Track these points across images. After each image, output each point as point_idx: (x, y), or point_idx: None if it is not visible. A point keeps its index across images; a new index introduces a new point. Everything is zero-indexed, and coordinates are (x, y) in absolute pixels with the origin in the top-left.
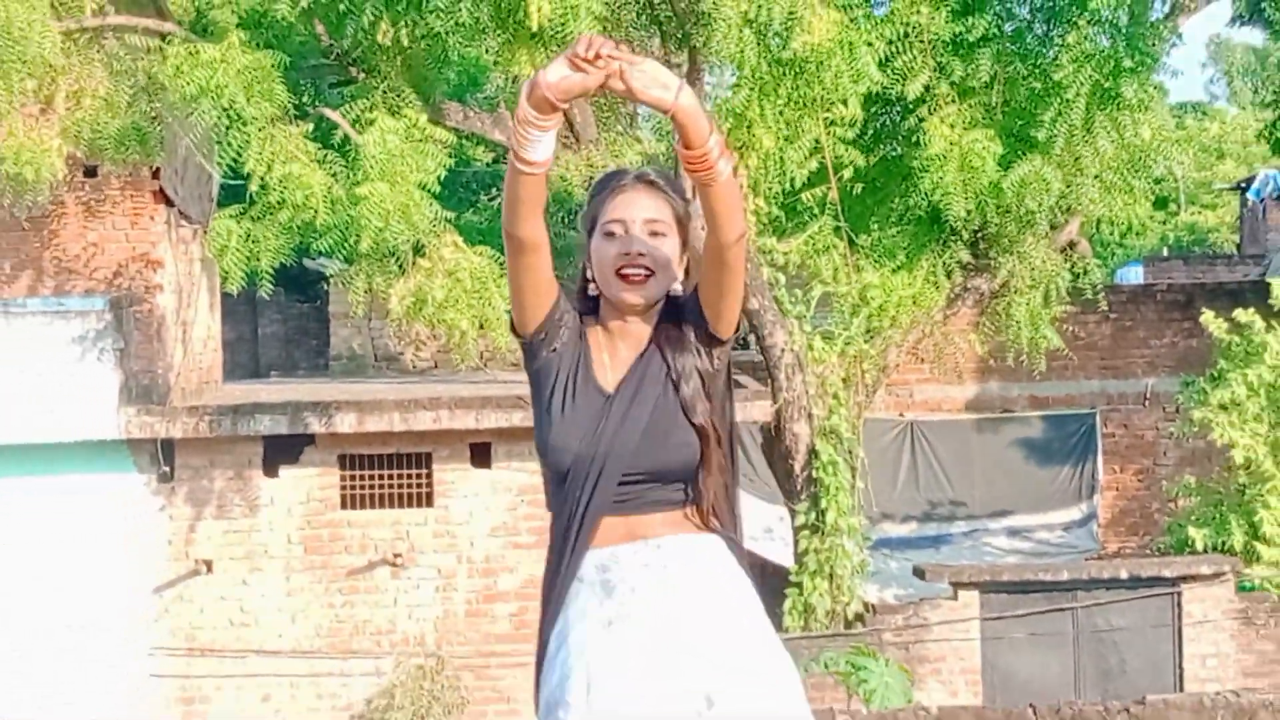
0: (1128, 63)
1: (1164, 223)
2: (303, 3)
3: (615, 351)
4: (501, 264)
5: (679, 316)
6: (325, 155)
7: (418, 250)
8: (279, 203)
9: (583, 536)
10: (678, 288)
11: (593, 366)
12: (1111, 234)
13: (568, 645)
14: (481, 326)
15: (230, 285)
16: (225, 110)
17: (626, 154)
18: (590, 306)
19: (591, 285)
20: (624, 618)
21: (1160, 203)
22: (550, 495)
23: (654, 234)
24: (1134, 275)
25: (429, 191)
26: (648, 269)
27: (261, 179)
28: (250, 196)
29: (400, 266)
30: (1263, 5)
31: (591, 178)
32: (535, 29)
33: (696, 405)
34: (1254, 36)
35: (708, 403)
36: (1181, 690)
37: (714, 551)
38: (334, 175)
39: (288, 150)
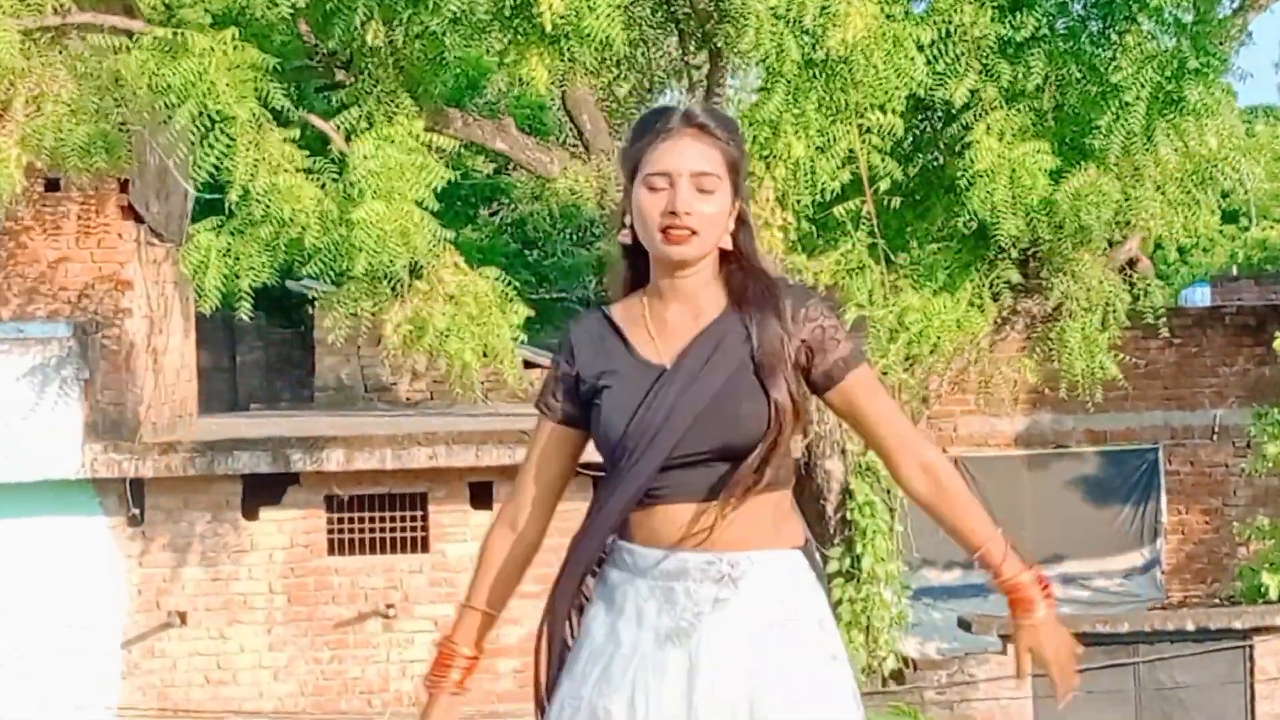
0: (1193, 63)
1: (1233, 239)
2: (284, 6)
3: (663, 320)
4: (508, 285)
5: (771, 307)
6: (314, 164)
7: (415, 273)
8: (262, 217)
9: (624, 512)
10: (727, 240)
11: (633, 344)
12: (1175, 252)
13: (620, 647)
14: (486, 355)
15: (204, 305)
16: (208, 110)
17: None
18: (636, 264)
19: (626, 232)
20: (682, 642)
21: (1229, 217)
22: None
23: (702, 189)
24: (1200, 296)
25: (427, 209)
26: (692, 229)
27: (244, 188)
28: (229, 209)
29: (395, 290)
30: None
31: (604, 190)
32: (548, 28)
33: (778, 377)
34: None
35: (788, 379)
36: None
37: (794, 579)
38: (323, 188)
39: (274, 158)
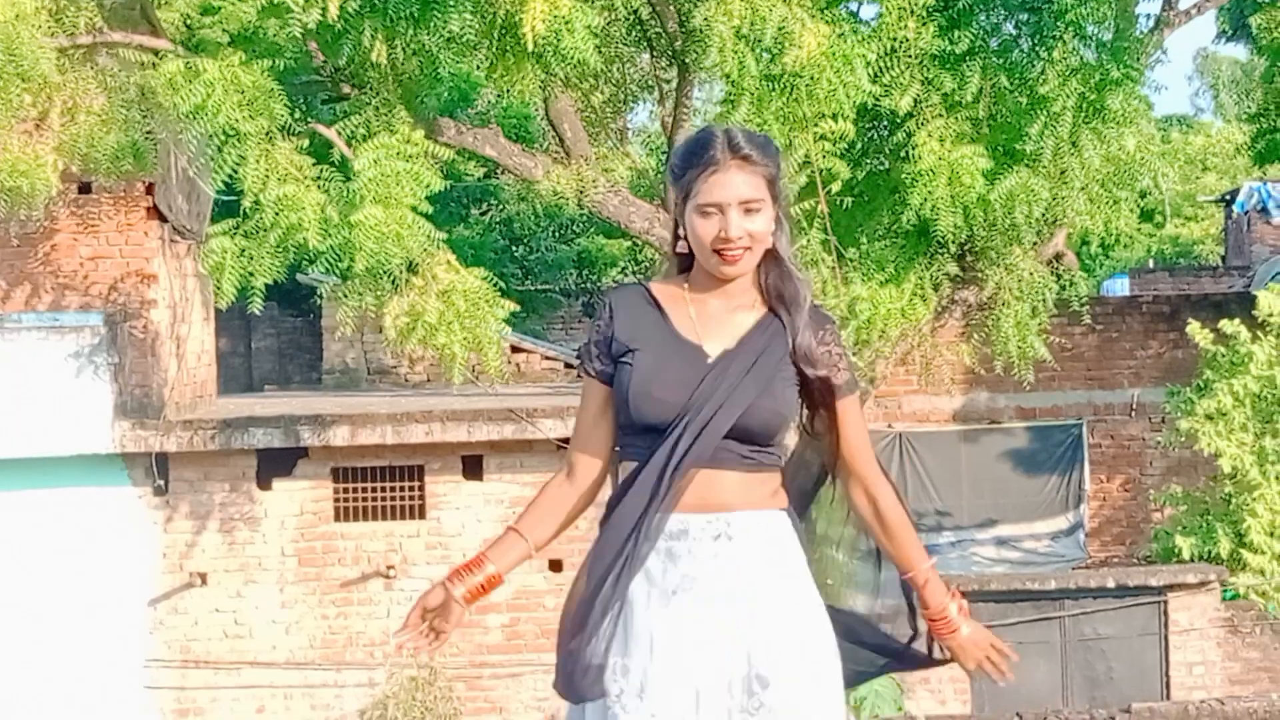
0: (1114, 74)
1: (1150, 235)
2: (297, 26)
3: (704, 306)
4: (494, 284)
5: (811, 317)
6: (321, 171)
7: (411, 269)
8: (272, 223)
9: (673, 491)
10: (768, 240)
11: (673, 320)
12: (1098, 247)
13: (633, 611)
14: (472, 346)
15: (222, 301)
16: (220, 127)
17: (617, 168)
18: (685, 263)
19: (682, 243)
20: (687, 589)
21: (1146, 215)
22: (625, 451)
23: (749, 211)
24: (1120, 287)
25: (421, 213)
26: (746, 247)
27: (256, 197)
28: (244, 212)
29: (394, 285)
30: (1246, 21)
31: (582, 191)
32: (531, 47)
33: (819, 363)
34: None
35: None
36: (1168, 698)
37: (780, 532)
38: (328, 193)
39: (283, 168)
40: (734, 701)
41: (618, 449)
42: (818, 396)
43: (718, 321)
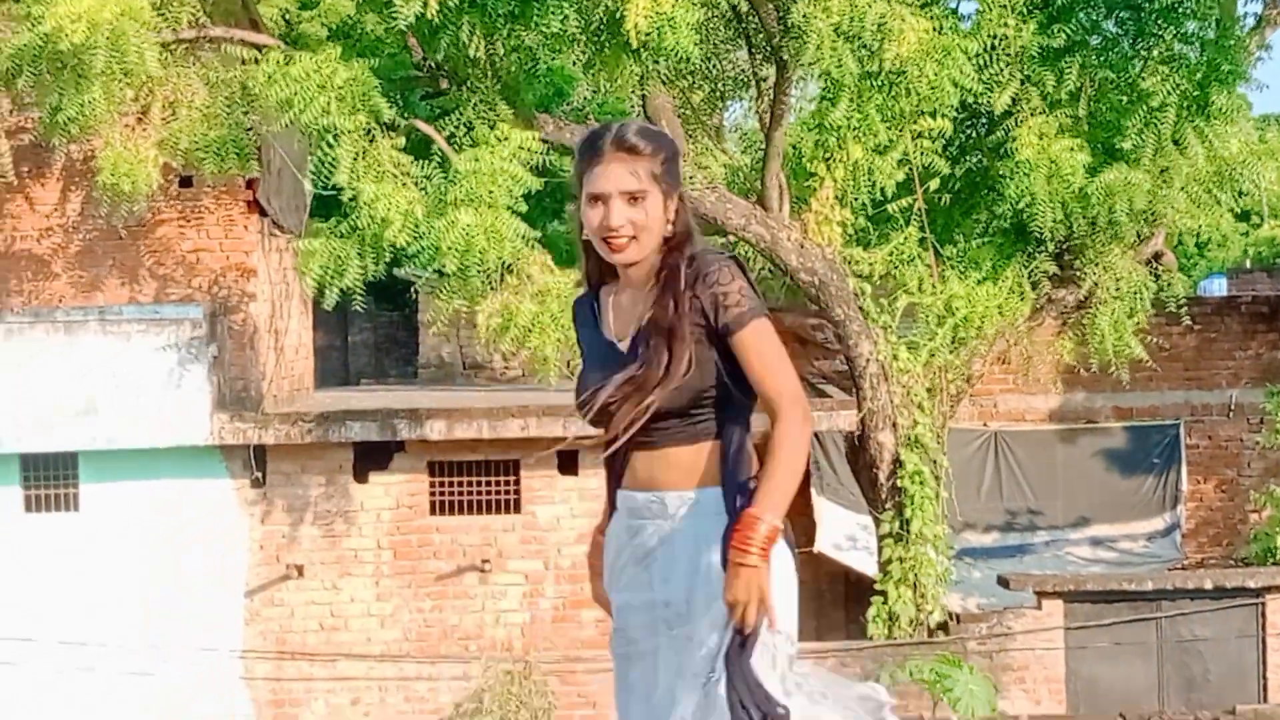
0: (1223, 67)
1: (1245, 235)
2: (399, 21)
3: (620, 303)
4: None
5: (673, 282)
6: (420, 166)
7: (507, 269)
8: (366, 224)
9: (615, 475)
10: (668, 229)
11: (602, 324)
12: (1193, 247)
13: (617, 560)
14: (567, 348)
15: (323, 302)
16: (313, 124)
17: (712, 165)
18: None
19: (587, 233)
20: (644, 561)
21: (1241, 216)
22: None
23: (633, 200)
24: (1217, 287)
25: (517, 212)
26: (630, 235)
27: (352, 194)
28: (344, 210)
29: (489, 283)
30: None
31: (691, 178)
32: (633, 44)
33: (660, 341)
34: None
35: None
36: (1265, 700)
37: (703, 511)
38: (425, 191)
39: (381, 165)
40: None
41: None
42: (722, 336)
43: (628, 313)
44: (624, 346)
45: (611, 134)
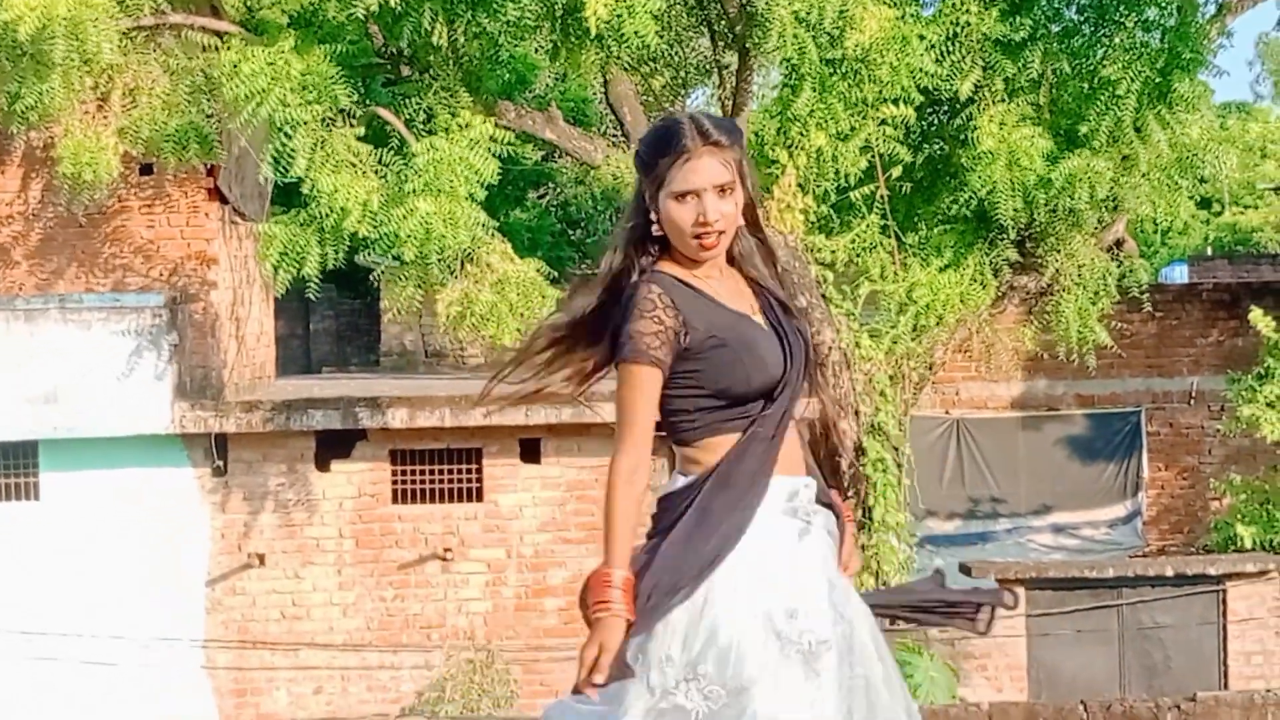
0: (1185, 54)
1: (1206, 222)
2: (359, 8)
3: (717, 286)
4: (548, 276)
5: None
6: (380, 156)
7: (467, 257)
8: (324, 214)
9: (775, 456)
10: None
11: (726, 302)
12: (1155, 233)
13: (764, 554)
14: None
15: (279, 289)
16: (271, 114)
17: None
18: (658, 243)
19: (656, 228)
20: (804, 536)
21: (1202, 203)
22: (711, 425)
23: (722, 193)
24: (1178, 274)
25: (477, 201)
26: (720, 231)
27: (310, 184)
28: (302, 200)
29: (449, 272)
30: None
31: None
32: (593, 31)
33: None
34: None
35: None
36: (1225, 687)
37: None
38: (385, 179)
39: (339, 154)
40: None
41: (696, 426)
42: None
43: (732, 296)
44: (763, 325)
45: (693, 128)
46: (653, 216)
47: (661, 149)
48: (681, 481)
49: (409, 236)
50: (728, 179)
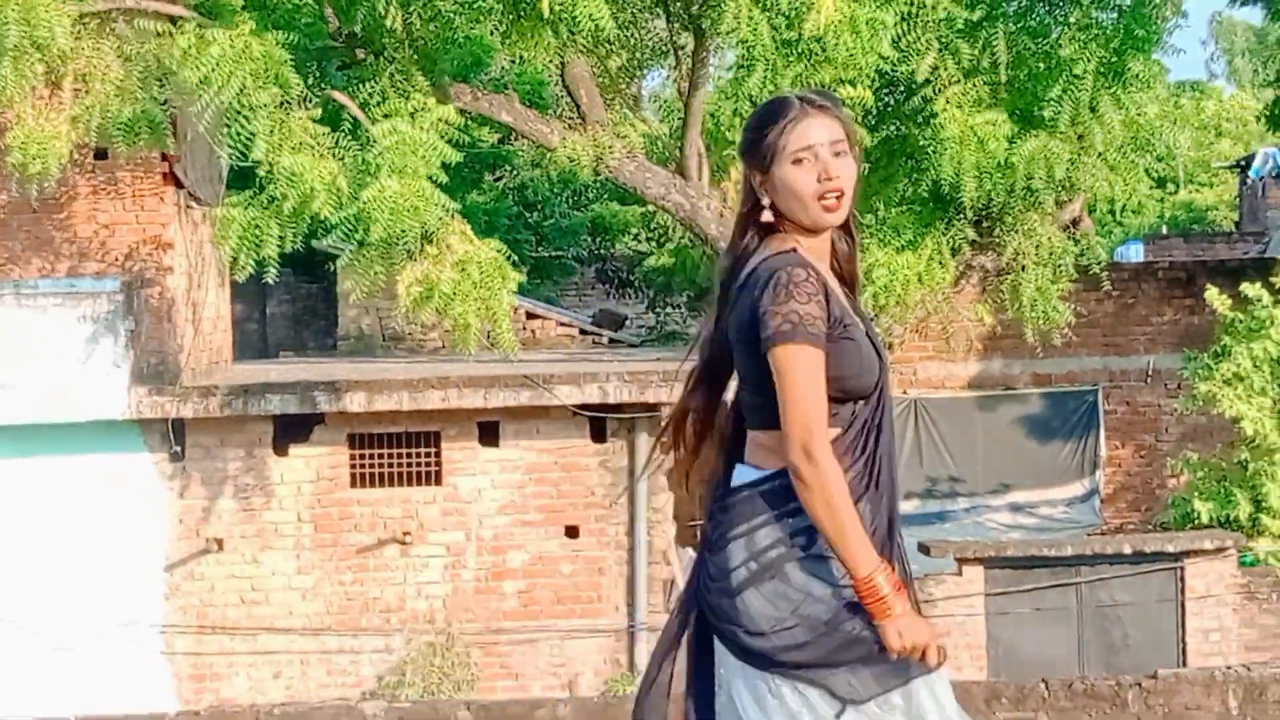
0: (1139, 32)
1: (1161, 201)
2: None
3: (827, 277)
4: (507, 255)
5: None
6: (336, 139)
7: (427, 239)
8: (284, 195)
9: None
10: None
11: (844, 300)
12: (1110, 212)
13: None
14: (488, 318)
15: (238, 273)
16: (231, 99)
17: (630, 134)
18: (768, 231)
19: (767, 212)
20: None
21: (1158, 182)
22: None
23: (838, 154)
24: (1133, 253)
25: (436, 182)
26: (841, 191)
27: (270, 167)
28: (259, 183)
29: (409, 253)
30: None
31: (599, 159)
32: (546, 13)
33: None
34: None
35: None
36: (1184, 664)
37: None
38: (343, 161)
39: (297, 137)
40: None
41: None
42: None
43: (836, 286)
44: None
45: (798, 98)
46: (764, 202)
47: (769, 120)
48: (758, 474)
49: (378, 216)
50: (840, 136)
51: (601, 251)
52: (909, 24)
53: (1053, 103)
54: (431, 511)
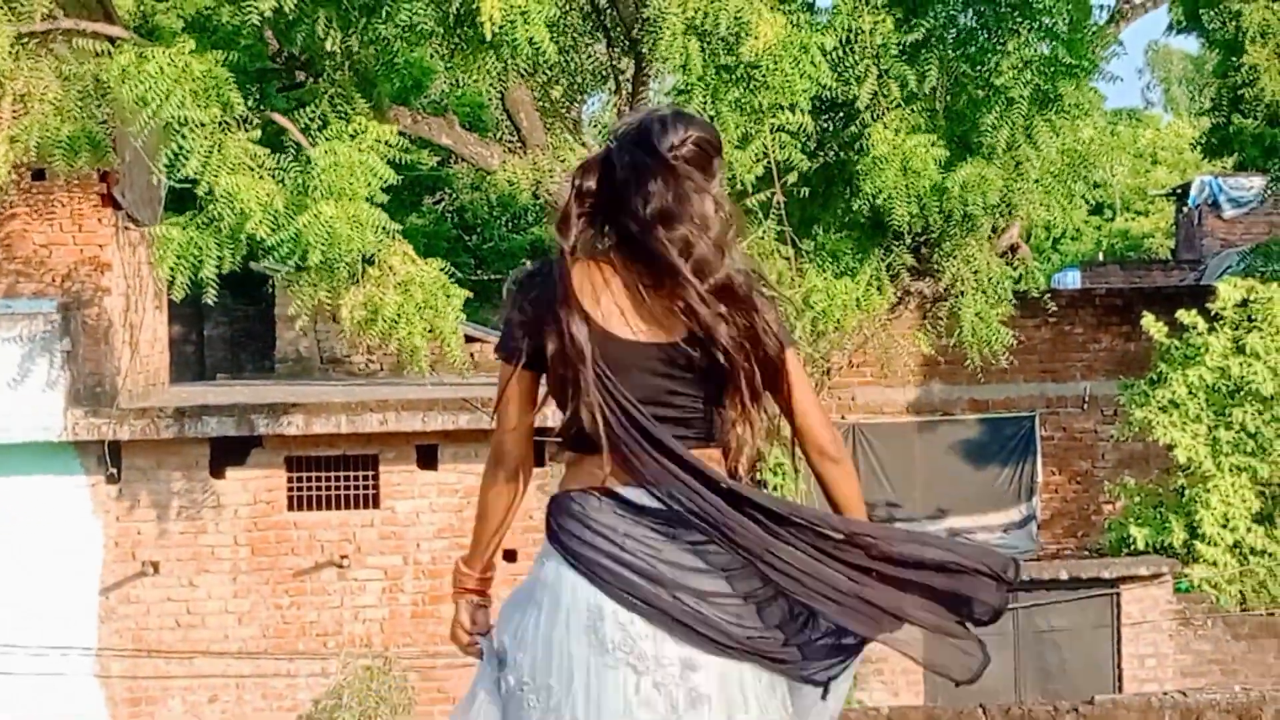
0: (1068, 59)
1: (1098, 228)
2: (252, 14)
3: None
4: (451, 275)
5: None
6: (278, 160)
7: (368, 261)
8: (221, 215)
9: None
10: None
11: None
12: (1047, 239)
13: None
14: (433, 336)
15: (175, 293)
16: (170, 118)
17: (570, 158)
18: None
19: None
20: None
21: (1094, 209)
22: None
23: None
24: (1071, 280)
25: (376, 204)
26: None
27: (208, 188)
28: (198, 204)
29: (351, 275)
30: (1200, 13)
31: (538, 182)
32: (488, 37)
33: None
34: (1191, 44)
35: None
36: (1120, 690)
37: None
38: (282, 183)
39: (236, 158)
40: None
41: None
42: None
43: None
44: None
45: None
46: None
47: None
48: None
49: (314, 240)
50: None
51: None
52: (848, 49)
53: (989, 129)
54: (369, 535)
